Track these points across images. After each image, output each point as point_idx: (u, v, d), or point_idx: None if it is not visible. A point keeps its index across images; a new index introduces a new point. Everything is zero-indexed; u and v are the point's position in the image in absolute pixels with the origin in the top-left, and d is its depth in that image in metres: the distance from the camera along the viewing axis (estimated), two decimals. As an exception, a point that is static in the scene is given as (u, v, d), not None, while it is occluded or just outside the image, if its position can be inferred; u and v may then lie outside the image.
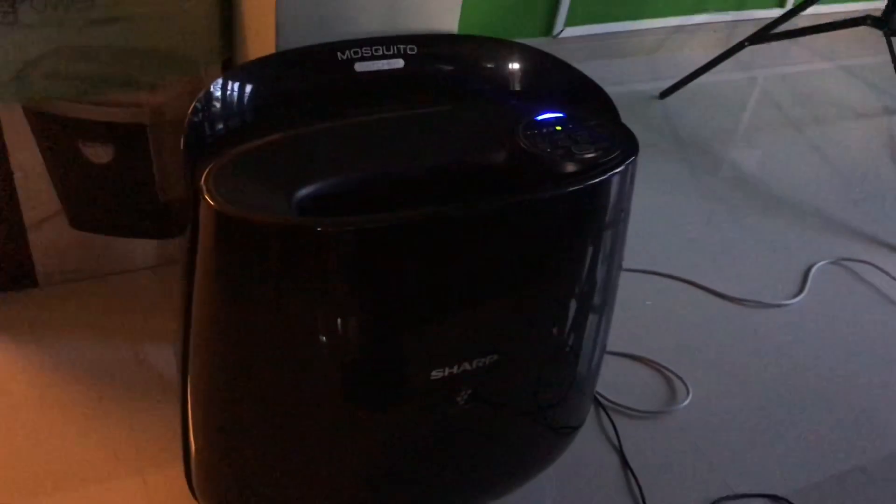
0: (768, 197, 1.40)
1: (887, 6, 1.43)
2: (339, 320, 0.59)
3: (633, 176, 0.67)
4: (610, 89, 1.77)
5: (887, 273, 1.24)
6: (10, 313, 0.96)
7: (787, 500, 0.89)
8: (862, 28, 1.48)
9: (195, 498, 0.74)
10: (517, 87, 0.74)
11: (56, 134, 0.90)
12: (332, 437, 0.66)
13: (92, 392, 0.89)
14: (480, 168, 0.64)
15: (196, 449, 0.70)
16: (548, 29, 1.65)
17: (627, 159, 0.65)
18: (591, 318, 0.73)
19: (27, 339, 0.94)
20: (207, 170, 0.58)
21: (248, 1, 0.82)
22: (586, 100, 0.72)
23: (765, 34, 1.55)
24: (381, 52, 0.69)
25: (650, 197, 1.35)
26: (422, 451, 0.71)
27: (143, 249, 1.02)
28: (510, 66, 0.74)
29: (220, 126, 0.62)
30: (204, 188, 0.56)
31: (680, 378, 1.02)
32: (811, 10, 1.63)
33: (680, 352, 1.05)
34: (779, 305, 1.16)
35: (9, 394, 0.88)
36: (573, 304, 0.70)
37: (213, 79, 0.91)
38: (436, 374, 0.64)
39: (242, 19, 0.84)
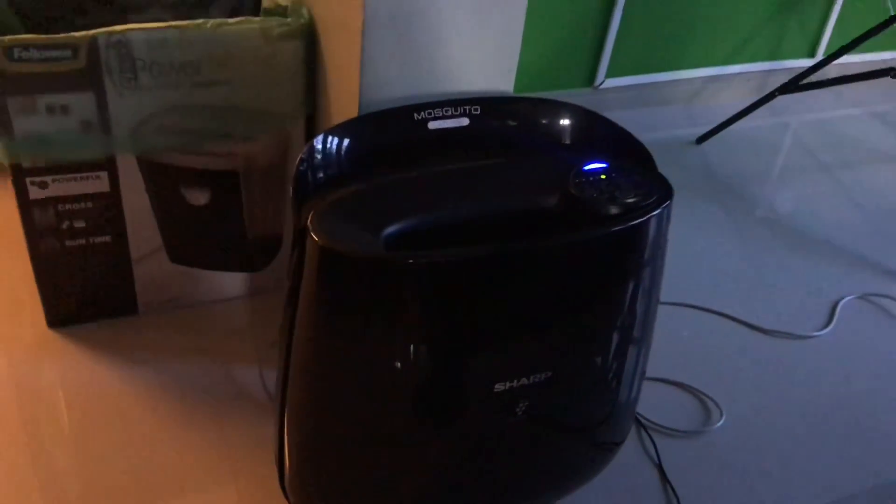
0: (799, 236, 1.49)
1: (910, 59, 1.52)
2: (418, 339, 0.70)
3: (668, 218, 0.77)
4: (649, 135, 1.90)
5: (912, 308, 1.32)
6: (115, 338, 1.09)
7: (813, 513, 0.97)
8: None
9: (288, 501, 0.85)
10: (567, 141, 0.85)
11: (161, 180, 1.03)
12: (410, 446, 0.76)
13: (188, 409, 1.00)
14: (537, 211, 0.75)
15: (290, 457, 0.81)
16: (590, 80, 1.77)
17: (664, 203, 0.75)
18: (633, 343, 0.83)
19: (129, 362, 1.06)
20: (312, 212, 0.70)
21: (331, 66, 0.95)
22: (627, 151, 0.84)
23: (794, 85, 1.64)
24: (450, 113, 0.81)
25: (689, 235, 1.45)
26: (484, 459, 0.81)
27: (232, 281, 1.14)
28: (561, 122, 0.85)
29: (321, 175, 0.75)
30: (310, 227, 0.68)
31: (714, 401, 1.11)
32: (840, 59, 1.72)
33: (715, 378, 1.15)
34: (807, 337, 1.24)
35: (112, 409, 0.99)
36: (616, 330, 0.80)
37: (298, 132, 1.05)
38: (498, 387, 0.74)
39: (326, 82, 0.97)
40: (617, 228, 0.72)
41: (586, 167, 0.78)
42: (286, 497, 0.85)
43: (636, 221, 0.73)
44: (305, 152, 0.74)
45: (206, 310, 1.13)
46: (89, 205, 1.01)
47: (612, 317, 0.78)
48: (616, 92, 1.79)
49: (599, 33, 1.72)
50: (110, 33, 0.91)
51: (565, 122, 0.85)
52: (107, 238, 1.04)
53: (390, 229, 0.70)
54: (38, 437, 0.95)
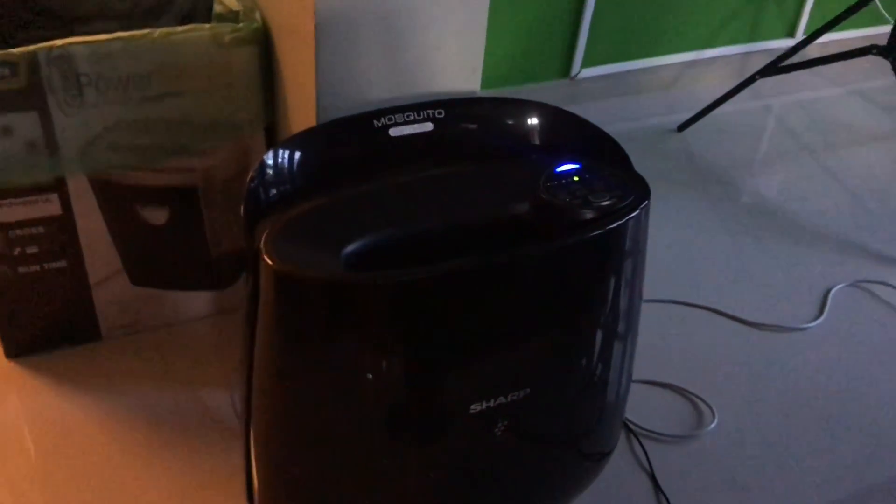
0: (786, 222, 1.45)
1: (892, 35, 1.48)
2: (385, 363, 0.66)
3: (646, 219, 0.73)
4: (629, 125, 1.84)
5: (905, 292, 1.29)
6: (77, 366, 1.04)
7: (813, 516, 0.93)
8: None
9: (258, 529, 0.81)
10: (536, 142, 0.81)
11: (116, 200, 0.98)
12: (382, 468, 0.72)
13: (155, 435, 0.96)
14: (507, 220, 0.71)
15: (259, 481, 0.76)
16: (565, 71, 1.72)
17: (640, 204, 0.71)
18: (616, 350, 0.79)
19: (94, 389, 1.01)
20: (265, 232, 0.65)
21: (287, 73, 0.90)
22: (600, 149, 0.79)
23: (774, 67, 1.60)
24: (412, 118, 0.77)
25: (672, 228, 1.41)
26: (463, 481, 0.77)
27: (196, 301, 1.09)
28: (529, 122, 0.81)
29: (274, 192, 0.70)
30: (263, 249, 0.63)
31: (706, 402, 1.07)
32: (820, 38, 1.68)
33: (705, 377, 1.11)
34: (799, 329, 1.21)
35: (79, 439, 0.95)
36: (598, 339, 0.76)
37: (258, 143, 1.00)
38: (474, 407, 0.70)
39: (283, 90, 0.93)
40: (592, 234, 0.68)
41: (558, 169, 0.74)
42: (259, 531, 0.81)
43: (612, 225, 0.69)
44: (256, 168, 0.69)
45: (171, 332, 1.09)
46: (41, 229, 0.96)
47: (592, 326, 0.74)
48: (593, 82, 1.75)
49: (573, 23, 1.68)
50: (51, 48, 0.86)
51: (534, 121, 0.81)
52: (62, 263, 0.99)
53: (350, 247, 0.65)
54: (5, 471, 0.90)
